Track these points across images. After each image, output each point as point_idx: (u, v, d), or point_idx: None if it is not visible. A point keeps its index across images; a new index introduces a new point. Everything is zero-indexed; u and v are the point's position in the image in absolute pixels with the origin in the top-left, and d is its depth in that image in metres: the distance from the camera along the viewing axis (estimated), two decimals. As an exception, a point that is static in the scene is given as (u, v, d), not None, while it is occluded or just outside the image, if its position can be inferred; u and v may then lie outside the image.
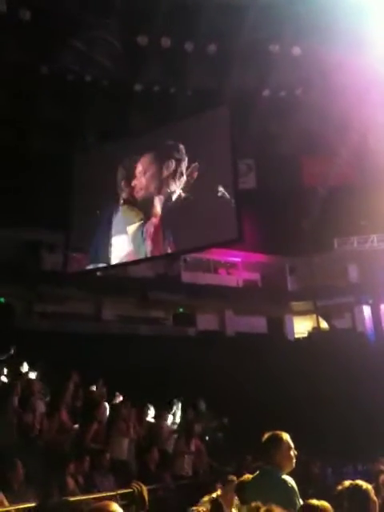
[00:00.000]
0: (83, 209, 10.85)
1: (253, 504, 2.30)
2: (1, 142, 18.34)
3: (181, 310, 23.62)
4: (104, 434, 8.11)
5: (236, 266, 26.08)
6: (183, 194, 9.47)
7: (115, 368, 13.91)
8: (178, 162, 9.63)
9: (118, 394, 10.60)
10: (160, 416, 10.11)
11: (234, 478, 5.61)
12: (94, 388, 10.42)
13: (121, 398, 10.39)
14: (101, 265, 10.73)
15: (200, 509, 3.58)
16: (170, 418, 10.61)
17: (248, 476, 5.15)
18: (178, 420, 10.90)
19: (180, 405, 11.57)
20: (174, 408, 11.35)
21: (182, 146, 9.74)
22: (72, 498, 5.68)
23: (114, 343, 17.19)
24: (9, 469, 5.80)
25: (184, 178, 9.50)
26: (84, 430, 7.75)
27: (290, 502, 3.34)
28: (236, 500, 5.51)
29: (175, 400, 11.51)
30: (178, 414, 11.26)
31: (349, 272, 25.29)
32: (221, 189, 9.06)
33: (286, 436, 3.86)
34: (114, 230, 10.23)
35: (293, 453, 3.83)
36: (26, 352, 12.12)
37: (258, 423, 9.06)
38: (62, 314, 20.44)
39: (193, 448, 9.27)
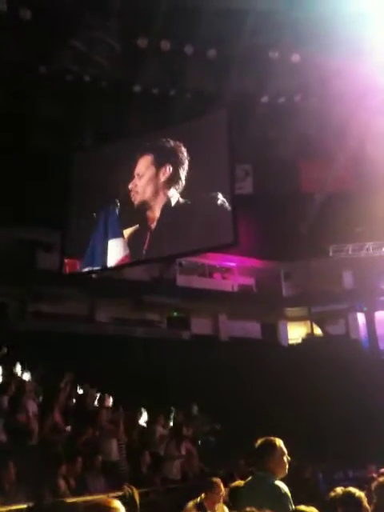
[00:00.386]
0: (79, 211, 10.80)
1: (247, 509, 2.27)
2: (-1, 140, 18.30)
3: (175, 313, 23.60)
4: (95, 436, 8.08)
5: (231, 271, 26.09)
6: (181, 199, 9.45)
7: (109, 370, 13.89)
8: (177, 165, 9.61)
9: (107, 395, 10.54)
10: (153, 419, 10.09)
11: (218, 480, 5.57)
12: (82, 391, 10.38)
13: (111, 401, 10.35)
14: (96, 267, 10.69)
15: None
16: (169, 424, 10.66)
17: (240, 481, 5.14)
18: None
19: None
20: (172, 415, 11.39)
21: (182, 150, 9.71)
22: (67, 500, 5.66)
23: (107, 345, 17.17)
24: (0, 469, 5.77)
25: (182, 183, 9.47)
26: (77, 432, 7.73)
27: (283, 508, 3.33)
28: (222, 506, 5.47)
29: (173, 408, 11.58)
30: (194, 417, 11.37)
31: (344, 279, 25.34)
32: (218, 194, 9.05)
33: (279, 442, 3.85)
34: (110, 233, 10.18)
35: (286, 459, 3.83)
36: (18, 352, 12.08)
37: (250, 428, 9.06)
38: (56, 314, 20.39)
39: (183, 452, 9.24)
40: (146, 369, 15.03)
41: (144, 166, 10.12)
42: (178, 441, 9.32)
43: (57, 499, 5.52)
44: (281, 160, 21.86)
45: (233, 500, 4.91)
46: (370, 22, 15.84)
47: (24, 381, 9.49)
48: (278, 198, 22.65)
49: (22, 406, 7.55)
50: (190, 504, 5.56)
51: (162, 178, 9.69)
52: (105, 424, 8.25)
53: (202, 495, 5.56)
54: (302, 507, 3.24)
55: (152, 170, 9.95)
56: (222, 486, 5.48)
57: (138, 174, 10.10)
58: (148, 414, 10.47)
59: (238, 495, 4.18)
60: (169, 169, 9.67)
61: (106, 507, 2.29)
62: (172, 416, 11.31)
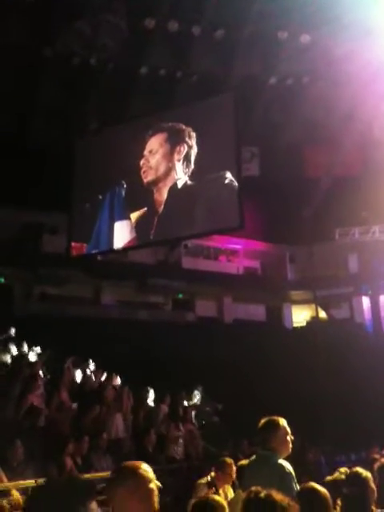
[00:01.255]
0: (85, 193, 10.74)
1: (253, 488, 2.30)
2: (4, 124, 18.25)
3: (180, 295, 23.68)
4: (101, 414, 8.16)
5: (236, 254, 26.09)
6: (189, 181, 9.40)
7: (114, 352, 14.00)
8: (189, 147, 9.52)
9: (114, 374, 10.64)
10: (158, 400, 10.19)
11: (229, 460, 5.64)
12: (88, 371, 10.47)
13: (118, 380, 10.45)
14: (102, 249, 10.69)
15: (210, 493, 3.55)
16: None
17: (244, 461, 5.21)
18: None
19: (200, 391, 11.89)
20: (196, 395, 11.60)
21: (192, 132, 9.62)
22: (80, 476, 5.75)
23: (112, 327, 17.27)
24: (8, 446, 5.87)
25: (191, 165, 9.41)
26: (83, 410, 7.83)
27: (287, 487, 3.38)
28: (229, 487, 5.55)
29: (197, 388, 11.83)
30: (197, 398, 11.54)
31: (349, 262, 25.32)
32: (226, 173, 9.00)
33: (282, 421, 3.89)
34: (116, 215, 10.13)
35: (289, 438, 3.87)
36: (24, 334, 12.18)
37: (254, 409, 9.14)
38: (61, 297, 20.49)
39: (182, 431, 9.32)
40: (151, 351, 15.13)
41: (157, 143, 9.97)
42: (175, 421, 9.41)
43: (72, 475, 5.60)
44: (287, 143, 21.76)
45: (240, 478, 4.98)
46: (380, 6, 15.67)
47: (32, 362, 9.59)
48: (284, 181, 22.57)
49: (31, 386, 7.64)
50: (202, 481, 5.63)
51: (177, 156, 9.58)
52: (110, 401, 8.34)
53: (212, 473, 5.64)
54: (314, 484, 3.29)
55: (166, 148, 9.81)
56: (233, 466, 5.54)
57: (150, 151, 9.95)
58: (154, 395, 10.56)
59: (243, 474, 4.24)
60: (183, 148, 9.57)
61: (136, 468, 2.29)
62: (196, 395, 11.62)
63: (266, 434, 3.86)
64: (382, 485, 4.17)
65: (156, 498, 2.26)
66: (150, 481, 2.27)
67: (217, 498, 3.40)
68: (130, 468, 2.30)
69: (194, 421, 10.59)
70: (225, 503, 3.31)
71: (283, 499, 2.18)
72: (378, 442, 9.86)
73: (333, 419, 13.57)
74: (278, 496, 2.19)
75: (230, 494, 5.49)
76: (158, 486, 2.29)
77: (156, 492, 2.27)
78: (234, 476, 5.49)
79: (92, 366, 11.24)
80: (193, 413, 10.75)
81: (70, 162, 11.26)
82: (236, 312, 24.17)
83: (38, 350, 11.00)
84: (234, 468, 5.52)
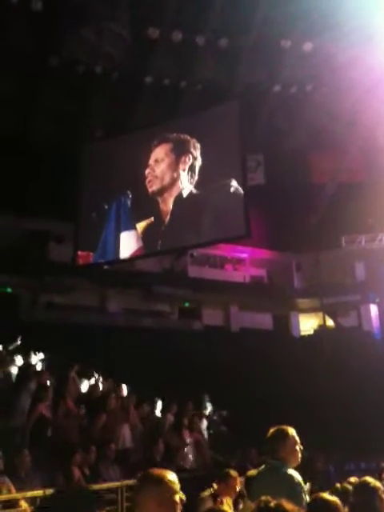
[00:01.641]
0: (91, 202, 10.76)
1: (262, 498, 2.27)
2: (10, 131, 18.36)
3: (186, 304, 23.65)
4: (107, 423, 8.12)
5: (243, 262, 26.06)
6: (194, 190, 9.39)
7: (119, 360, 13.97)
8: (194, 157, 9.52)
9: (120, 384, 10.60)
10: (164, 409, 10.14)
11: (233, 472, 5.58)
12: (93, 380, 10.44)
13: (124, 389, 10.41)
14: (109, 259, 10.69)
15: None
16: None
17: (254, 471, 5.15)
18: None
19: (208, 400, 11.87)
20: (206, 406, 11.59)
21: (196, 142, 9.62)
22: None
23: (118, 335, 17.25)
24: (16, 456, 5.85)
25: (196, 175, 9.41)
26: (90, 420, 7.79)
27: (296, 497, 3.33)
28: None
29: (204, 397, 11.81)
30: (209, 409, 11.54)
31: (356, 270, 25.22)
32: (232, 182, 9.00)
33: (292, 431, 3.86)
34: (122, 225, 10.13)
35: (299, 448, 3.83)
36: (30, 342, 12.17)
37: (261, 418, 9.09)
38: (67, 305, 20.50)
39: (188, 440, 9.26)
40: (157, 359, 15.09)
41: (163, 152, 9.98)
42: (178, 430, 9.36)
43: (80, 485, 5.56)
44: (292, 151, 21.78)
45: (248, 489, 4.92)
46: (382, 12, 15.71)
47: (39, 371, 9.57)
48: (290, 189, 22.56)
49: (42, 396, 7.61)
50: (206, 493, 5.56)
51: (182, 166, 9.59)
52: (116, 410, 8.30)
53: (214, 486, 5.57)
54: (325, 495, 3.25)
55: (172, 158, 9.83)
56: (237, 478, 5.47)
57: (155, 160, 9.96)
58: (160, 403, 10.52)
59: (252, 484, 4.19)
60: (188, 159, 9.58)
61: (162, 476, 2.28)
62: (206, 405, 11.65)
63: (275, 443, 3.82)
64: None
65: (179, 509, 2.24)
66: (175, 491, 2.25)
67: (225, 508, 3.36)
68: (156, 476, 2.27)
69: (205, 430, 10.56)
70: None
71: (293, 509, 2.15)
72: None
73: (341, 427, 13.46)
74: (288, 505, 2.16)
75: (230, 505, 5.38)
76: (182, 499, 2.26)
77: (179, 504, 2.24)
78: (238, 488, 5.42)
79: (98, 374, 11.20)
80: (204, 422, 10.70)
81: (77, 170, 11.29)
82: (243, 321, 24.10)
83: (40, 356, 10.98)
84: (239, 480, 5.44)
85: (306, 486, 3.65)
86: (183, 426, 9.42)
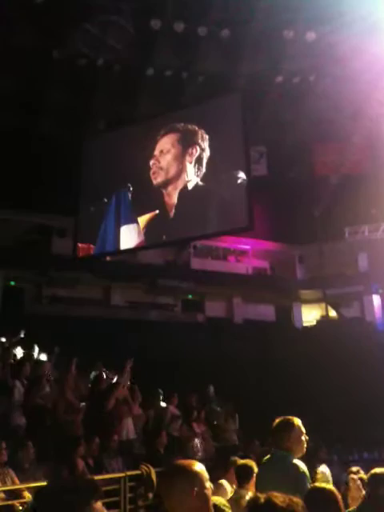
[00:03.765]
0: (91, 196, 10.71)
1: (251, 496, 2.28)
2: (14, 126, 18.35)
3: (190, 296, 23.68)
4: (110, 415, 8.14)
5: (246, 254, 26.06)
6: (200, 183, 9.31)
7: (123, 353, 13.98)
8: (202, 149, 9.39)
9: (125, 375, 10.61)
10: (167, 401, 10.17)
11: (237, 459, 5.62)
12: (97, 373, 10.46)
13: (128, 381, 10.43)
14: (108, 251, 10.65)
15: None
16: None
17: (248, 460, 5.18)
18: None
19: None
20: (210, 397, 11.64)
21: (206, 135, 9.47)
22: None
23: (122, 328, 17.29)
24: (19, 448, 5.88)
25: (203, 168, 9.31)
26: (93, 412, 7.82)
27: (301, 487, 3.36)
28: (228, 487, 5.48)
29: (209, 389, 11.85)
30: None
31: (359, 261, 25.21)
32: (238, 173, 8.93)
33: (297, 421, 3.87)
34: (122, 219, 10.06)
35: (304, 438, 3.85)
36: (34, 335, 12.22)
37: (264, 410, 9.12)
38: (71, 298, 20.56)
39: (197, 431, 9.31)
40: (161, 352, 15.12)
41: (169, 143, 9.81)
42: (188, 421, 9.40)
43: (85, 476, 5.57)
44: (295, 142, 21.70)
45: (241, 477, 4.95)
46: (386, 1, 15.59)
47: (41, 362, 9.61)
48: (293, 181, 22.52)
49: (39, 387, 7.65)
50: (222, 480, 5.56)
51: (189, 158, 9.46)
52: (120, 402, 8.32)
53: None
54: (322, 484, 3.26)
55: (178, 149, 9.68)
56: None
57: (161, 151, 9.79)
58: (163, 395, 10.55)
59: (257, 474, 4.20)
60: (196, 151, 9.45)
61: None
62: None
63: (280, 433, 3.84)
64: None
65: (211, 499, 2.28)
66: (206, 481, 2.29)
67: (220, 499, 3.39)
68: (188, 467, 2.31)
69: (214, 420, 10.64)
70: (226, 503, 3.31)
71: (284, 500, 2.07)
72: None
73: (344, 418, 13.51)
74: (278, 498, 2.07)
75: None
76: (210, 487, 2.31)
77: (210, 492, 2.29)
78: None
79: (101, 367, 11.24)
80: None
81: (78, 163, 11.26)
82: (246, 312, 24.15)
83: (44, 349, 11.03)
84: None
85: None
86: (193, 417, 9.47)
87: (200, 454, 8.68)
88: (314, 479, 5.47)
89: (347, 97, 18.85)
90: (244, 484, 4.88)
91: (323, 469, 6.69)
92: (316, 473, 6.19)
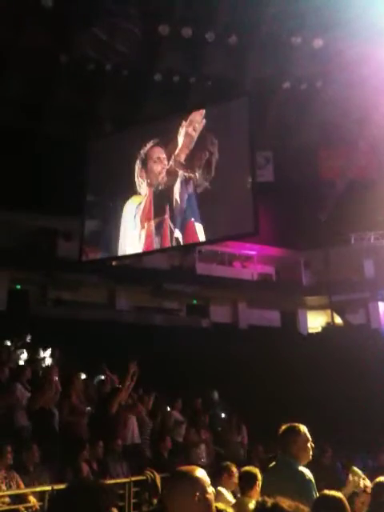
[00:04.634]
0: (97, 199, 10.69)
1: (260, 498, 2.27)
2: (20, 128, 18.42)
3: (195, 301, 23.66)
4: (114, 418, 8.13)
5: (251, 259, 26.03)
6: (209, 187, 9.28)
7: (128, 357, 13.96)
8: (211, 154, 9.36)
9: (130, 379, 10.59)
10: (171, 405, 10.15)
11: (230, 465, 5.60)
12: (102, 377, 10.46)
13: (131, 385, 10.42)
14: (113, 255, 10.63)
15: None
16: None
17: (250, 467, 5.14)
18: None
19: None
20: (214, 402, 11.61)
21: (216, 140, 9.45)
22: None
23: (127, 332, 17.28)
24: (24, 450, 5.86)
25: (212, 172, 9.27)
26: (97, 416, 7.81)
27: (306, 494, 3.34)
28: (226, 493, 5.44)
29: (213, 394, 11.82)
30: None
31: (365, 267, 25.14)
32: (248, 180, 8.92)
33: (303, 428, 3.85)
34: (128, 223, 10.02)
35: (310, 445, 3.83)
36: (39, 338, 12.22)
37: (269, 416, 9.08)
38: (76, 301, 20.57)
39: (204, 437, 9.29)
40: (165, 356, 15.10)
41: (175, 148, 9.81)
42: (196, 427, 9.38)
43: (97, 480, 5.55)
44: (301, 147, 21.71)
45: (244, 485, 4.92)
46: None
47: (47, 365, 9.61)
48: (299, 186, 22.50)
49: (43, 390, 7.64)
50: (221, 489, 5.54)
51: (197, 162, 9.45)
52: (124, 406, 8.32)
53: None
54: (330, 491, 3.24)
55: (185, 153, 9.68)
56: (236, 472, 5.47)
57: (166, 157, 9.82)
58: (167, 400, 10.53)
59: (262, 481, 4.19)
60: (205, 155, 9.43)
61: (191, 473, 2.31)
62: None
63: (286, 440, 3.82)
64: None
65: (213, 505, 2.28)
66: (208, 487, 2.30)
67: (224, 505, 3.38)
68: (190, 473, 2.32)
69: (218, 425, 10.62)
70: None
71: (290, 505, 2.09)
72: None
73: (349, 424, 13.44)
74: (285, 503, 2.10)
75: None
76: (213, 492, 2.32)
77: (212, 497, 2.29)
78: (237, 482, 5.39)
79: (106, 371, 11.22)
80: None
81: (85, 166, 11.26)
82: (251, 318, 24.09)
83: (49, 351, 11.03)
84: (237, 475, 5.42)
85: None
86: (200, 423, 9.46)
87: (203, 459, 8.66)
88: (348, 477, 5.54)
89: (354, 103, 18.88)
90: (247, 491, 4.83)
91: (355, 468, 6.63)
92: (352, 471, 6.09)
